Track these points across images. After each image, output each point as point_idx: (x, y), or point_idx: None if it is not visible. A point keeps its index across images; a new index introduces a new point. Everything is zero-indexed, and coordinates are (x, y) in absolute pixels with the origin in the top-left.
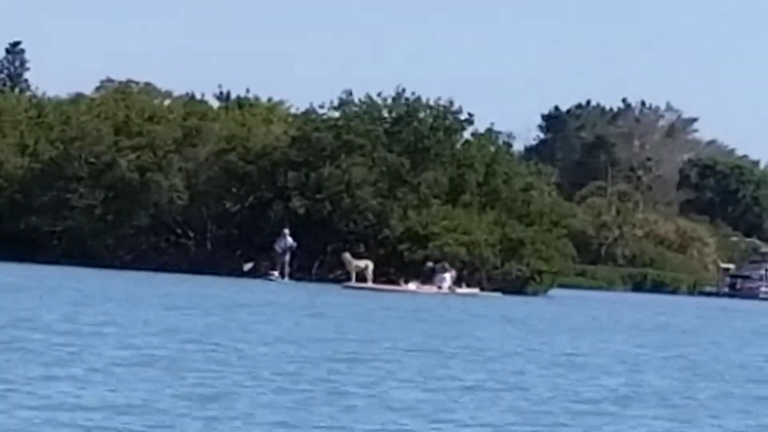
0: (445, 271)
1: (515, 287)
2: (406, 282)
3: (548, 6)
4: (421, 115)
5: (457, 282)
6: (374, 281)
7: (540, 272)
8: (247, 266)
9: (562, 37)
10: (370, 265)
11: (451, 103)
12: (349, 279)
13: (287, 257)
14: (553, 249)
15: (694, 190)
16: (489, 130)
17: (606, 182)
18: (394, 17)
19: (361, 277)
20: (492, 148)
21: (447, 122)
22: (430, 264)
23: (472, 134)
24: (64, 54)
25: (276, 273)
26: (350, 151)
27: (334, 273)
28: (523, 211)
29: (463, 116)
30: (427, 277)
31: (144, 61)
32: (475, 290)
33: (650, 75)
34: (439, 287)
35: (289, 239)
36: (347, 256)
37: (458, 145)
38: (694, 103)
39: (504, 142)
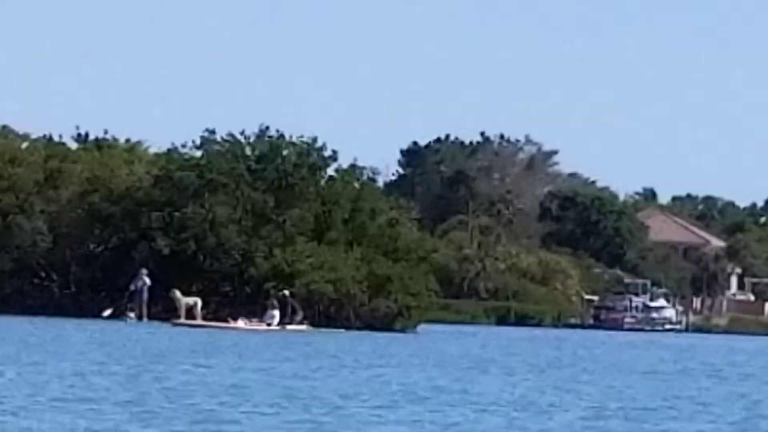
0: (274, 308)
1: (383, 323)
2: (235, 319)
3: (405, 40)
4: (285, 152)
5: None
6: (204, 318)
7: (408, 308)
8: (107, 312)
9: (418, 71)
10: (199, 302)
11: (315, 140)
12: (178, 316)
13: (145, 297)
14: (421, 284)
15: (555, 222)
16: (353, 166)
17: (467, 216)
18: (252, 53)
19: (191, 314)
20: (357, 184)
21: (311, 159)
22: (281, 296)
23: (336, 170)
24: None
25: (132, 314)
26: (214, 190)
27: (204, 311)
28: (390, 247)
29: (328, 153)
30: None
31: None
32: (304, 327)
33: (509, 108)
34: (269, 324)
35: (146, 279)
36: (176, 293)
37: (323, 182)
38: (553, 136)
39: (369, 178)
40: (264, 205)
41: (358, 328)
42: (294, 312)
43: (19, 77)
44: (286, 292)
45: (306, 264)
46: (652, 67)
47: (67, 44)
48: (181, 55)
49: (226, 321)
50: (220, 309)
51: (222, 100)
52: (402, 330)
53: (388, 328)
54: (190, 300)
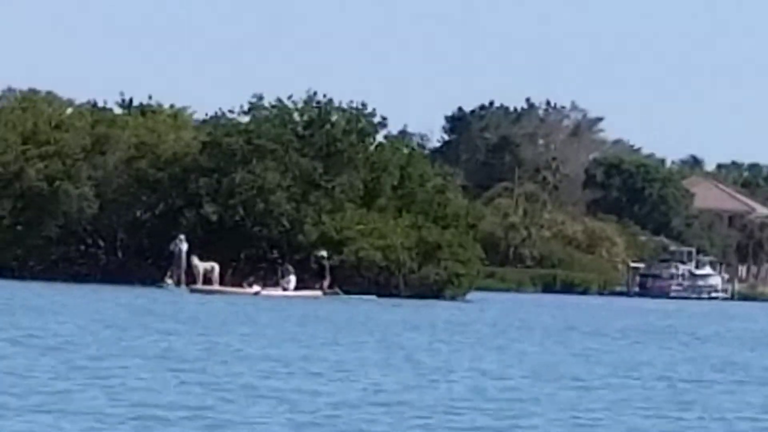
0: (290, 273)
1: (433, 291)
2: (251, 285)
3: (451, 6)
4: (334, 118)
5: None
6: (221, 283)
7: (458, 275)
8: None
9: (466, 37)
10: (216, 267)
11: (364, 105)
12: (196, 282)
13: (183, 263)
14: (470, 252)
15: (600, 189)
16: (402, 132)
17: (512, 183)
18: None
19: (208, 279)
20: (406, 151)
21: (360, 125)
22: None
23: (385, 137)
24: None
25: (170, 280)
26: (262, 156)
27: (248, 280)
28: (439, 213)
29: (377, 119)
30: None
31: (44, 69)
32: (318, 293)
33: (555, 75)
34: (285, 288)
35: (183, 245)
36: (194, 258)
37: (372, 148)
38: (599, 103)
39: (418, 144)
40: (312, 172)
41: (408, 296)
42: (323, 277)
43: (63, 43)
44: (324, 253)
45: (355, 231)
46: (698, 33)
47: (111, 9)
48: (227, 19)
49: (242, 286)
50: (269, 276)
51: (270, 65)
52: (452, 298)
53: (437, 296)
54: (207, 265)
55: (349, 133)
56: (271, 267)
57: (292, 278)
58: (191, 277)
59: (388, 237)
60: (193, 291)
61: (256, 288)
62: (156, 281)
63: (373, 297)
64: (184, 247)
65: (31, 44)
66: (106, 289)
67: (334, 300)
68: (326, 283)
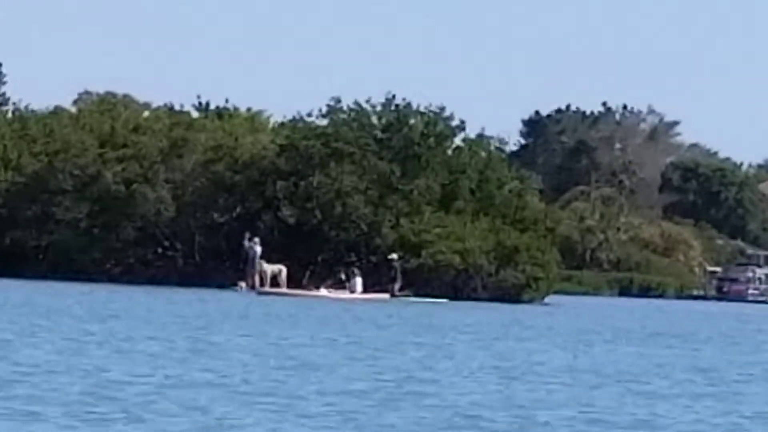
0: (357, 275)
1: (511, 295)
2: (318, 288)
3: (528, 10)
4: (412, 121)
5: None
6: (293, 286)
7: (536, 279)
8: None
9: (543, 42)
10: (284, 270)
11: (443, 109)
12: (263, 284)
13: (256, 265)
14: (548, 255)
15: (677, 193)
16: (480, 136)
17: (589, 187)
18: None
19: (276, 282)
20: (484, 154)
21: (438, 128)
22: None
23: (463, 140)
24: (40, 67)
25: (242, 284)
26: (340, 159)
27: (325, 283)
28: (517, 216)
29: (455, 122)
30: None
31: (120, 72)
32: (386, 296)
33: (631, 79)
34: (352, 291)
35: (257, 248)
36: (262, 262)
37: (450, 151)
38: (675, 107)
39: (496, 148)
40: (390, 175)
41: (485, 300)
42: (394, 279)
43: (140, 45)
44: (394, 256)
45: (433, 234)
46: None
47: (189, 11)
48: (306, 21)
49: (309, 289)
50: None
51: (348, 68)
52: (530, 301)
53: (515, 299)
54: (275, 268)
55: (427, 137)
56: (346, 270)
57: (359, 280)
58: (261, 280)
59: (466, 240)
60: (260, 294)
61: (323, 291)
62: (229, 284)
63: (445, 300)
64: (258, 249)
65: (107, 47)
66: (177, 291)
67: (400, 302)
68: (397, 286)
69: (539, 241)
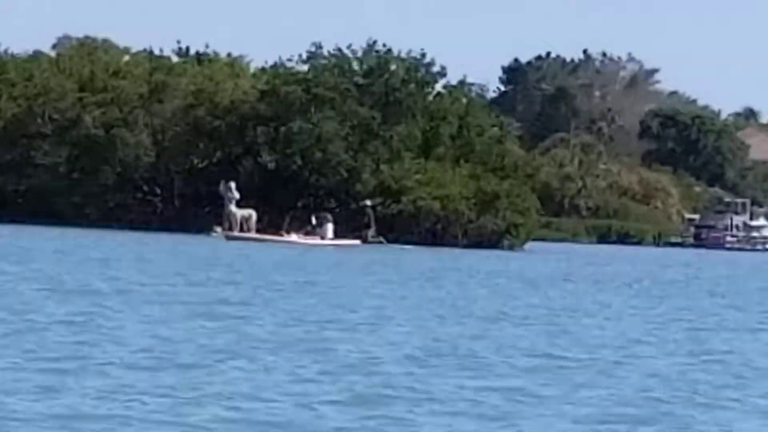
0: (328, 221)
1: (491, 241)
2: (289, 233)
3: None
4: (393, 67)
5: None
6: (258, 231)
7: (516, 226)
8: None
9: None
10: (254, 214)
11: (423, 55)
12: (232, 229)
13: (232, 211)
14: (528, 202)
15: (655, 140)
16: (461, 83)
17: (568, 134)
18: None
19: (244, 227)
20: (465, 101)
21: (419, 75)
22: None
23: (444, 87)
24: (19, 12)
25: (219, 229)
26: (320, 105)
27: (304, 228)
28: (498, 164)
29: (436, 69)
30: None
31: (99, 16)
32: (357, 242)
33: (611, 26)
34: (322, 237)
35: (232, 193)
36: (231, 206)
37: (430, 98)
38: (655, 54)
39: (477, 94)
40: (371, 121)
41: (465, 246)
42: (368, 225)
43: None
44: (368, 202)
45: (413, 180)
46: None
47: None
48: None
49: (280, 235)
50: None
51: (329, 14)
52: (510, 248)
53: (495, 246)
54: (245, 212)
55: (408, 83)
56: (318, 216)
57: (330, 226)
58: (230, 225)
59: (446, 187)
60: (229, 238)
61: (293, 236)
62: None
63: (410, 247)
64: (232, 195)
65: None
66: (151, 237)
67: (369, 248)
68: (371, 232)
69: (519, 188)
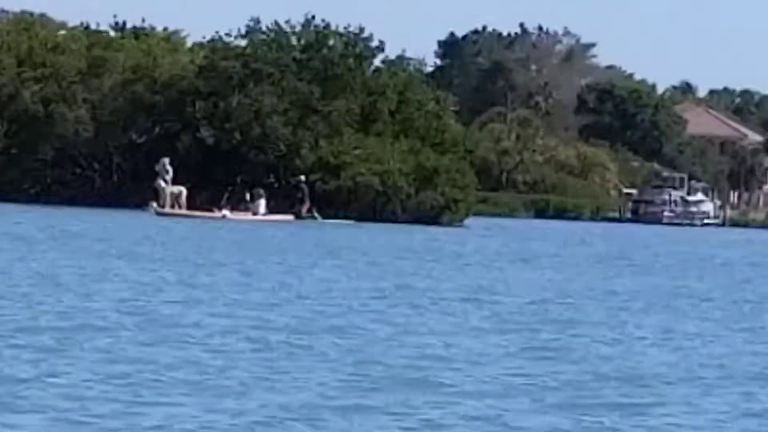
0: (260, 197)
1: (430, 217)
2: (220, 209)
3: None
4: (331, 42)
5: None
6: (188, 208)
7: (456, 201)
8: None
9: None
10: (184, 191)
11: (362, 30)
12: (163, 205)
13: (164, 186)
14: (468, 177)
15: (592, 114)
16: (400, 57)
17: (505, 108)
18: None
19: (175, 204)
20: (403, 75)
21: (357, 49)
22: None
23: (383, 62)
24: None
25: (154, 204)
26: (259, 80)
27: (244, 204)
28: (437, 139)
29: (374, 43)
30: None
31: None
32: (290, 217)
33: (548, 0)
34: (255, 213)
35: (167, 168)
36: (160, 182)
37: (369, 73)
38: (592, 28)
39: (416, 69)
40: (310, 96)
41: (405, 222)
42: (302, 201)
43: None
44: (302, 178)
45: (352, 156)
46: None
47: None
48: None
49: (211, 210)
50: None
51: None
52: (449, 224)
53: (434, 221)
54: (175, 189)
55: (347, 57)
56: (267, 192)
57: (262, 202)
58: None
59: (386, 162)
60: (159, 214)
61: (224, 212)
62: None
63: (351, 222)
64: (169, 170)
65: None
66: (87, 212)
67: (301, 224)
68: (304, 208)
69: (459, 163)
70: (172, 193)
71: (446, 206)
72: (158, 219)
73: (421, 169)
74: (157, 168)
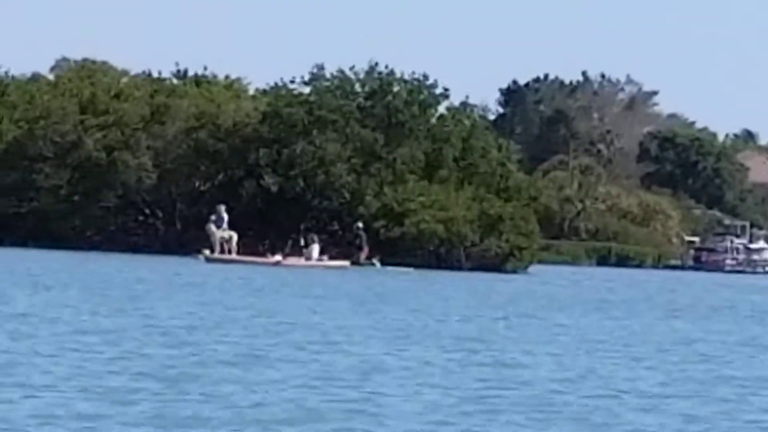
0: (314, 242)
1: (494, 264)
2: (273, 254)
3: None
4: (395, 89)
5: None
6: (239, 253)
7: (520, 248)
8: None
9: (521, 10)
10: (235, 236)
11: (426, 76)
12: (213, 251)
13: (219, 234)
14: (532, 225)
15: (654, 162)
16: (464, 104)
17: (567, 156)
18: None
19: (226, 248)
20: (468, 122)
21: (422, 96)
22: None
23: (447, 108)
24: (16, 33)
25: (207, 251)
26: (323, 127)
27: (299, 249)
28: (501, 186)
29: (438, 90)
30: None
31: (96, 39)
32: (346, 263)
33: (610, 48)
34: (308, 258)
35: (223, 215)
36: (211, 226)
37: (433, 120)
38: (654, 76)
39: (479, 116)
40: (374, 143)
41: (469, 269)
42: (360, 248)
43: (118, 11)
44: (360, 225)
45: (416, 203)
46: (753, 7)
47: None
48: None
49: (263, 255)
50: (327, 248)
51: (331, 35)
52: (513, 271)
53: (499, 269)
54: (225, 234)
55: (411, 104)
56: (330, 239)
57: (316, 247)
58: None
59: (450, 209)
60: (208, 260)
61: (277, 257)
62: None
63: (410, 270)
64: (225, 217)
65: (84, 14)
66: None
67: (359, 271)
68: (363, 254)
69: (523, 210)
70: (222, 238)
71: (510, 254)
72: (207, 265)
73: (485, 216)
74: (213, 217)
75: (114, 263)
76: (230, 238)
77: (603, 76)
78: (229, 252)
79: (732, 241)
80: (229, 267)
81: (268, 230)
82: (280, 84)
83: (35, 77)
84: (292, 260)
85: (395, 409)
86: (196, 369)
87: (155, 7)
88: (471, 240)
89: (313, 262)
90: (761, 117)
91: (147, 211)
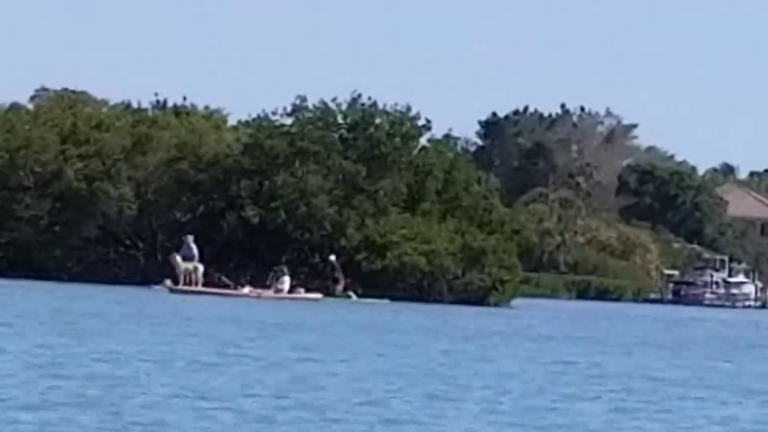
0: (284, 274)
1: (477, 297)
2: (242, 286)
3: (485, 11)
4: (378, 120)
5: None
6: (205, 285)
7: (502, 282)
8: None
9: (500, 43)
10: (200, 267)
11: (408, 108)
12: (176, 282)
13: (191, 266)
14: (514, 258)
15: (633, 195)
16: (447, 136)
17: (546, 189)
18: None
19: (193, 279)
20: (450, 155)
21: (404, 128)
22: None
23: (429, 140)
24: None
25: (169, 282)
26: (305, 159)
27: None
28: (485, 219)
29: (421, 122)
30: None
31: (75, 69)
32: (319, 295)
33: (589, 81)
34: (278, 290)
35: (194, 246)
36: (176, 257)
37: (416, 152)
38: (633, 109)
39: (462, 149)
40: (356, 175)
41: (451, 302)
42: (336, 280)
43: (96, 41)
44: (333, 257)
45: (398, 235)
46: (732, 41)
47: (144, 9)
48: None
49: (229, 287)
50: (309, 281)
51: (313, 67)
52: (495, 304)
53: (481, 302)
54: (190, 265)
55: (393, 136)
56: (312, 271)
57: (286, 279)
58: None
59: (432, 242)
60: (172, 291)
61: (245, 289)
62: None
63: (387, 301)
64: (194, 248)
65: (63, 43)
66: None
67: (330, 303)
68: (340, 286)
69: (505, 243)
70: (186, 269)
71: (493, 287)
72: (168, 296)
73: (467, 249)
74: (183, 247)
75: (78, 293)
76: (195, 269)
77: (582, 108)
78: (195, 283)
79: (711, 275)
80: (191, 298)
81: (249, 262)
82: (262, 115)
83: (14, 107)
84: (263, 292)
85: None
86: None
87: (133, 38)
88: (453, 273)
89: (283, 294)
90: (740, 151)
91: (128, 242)
